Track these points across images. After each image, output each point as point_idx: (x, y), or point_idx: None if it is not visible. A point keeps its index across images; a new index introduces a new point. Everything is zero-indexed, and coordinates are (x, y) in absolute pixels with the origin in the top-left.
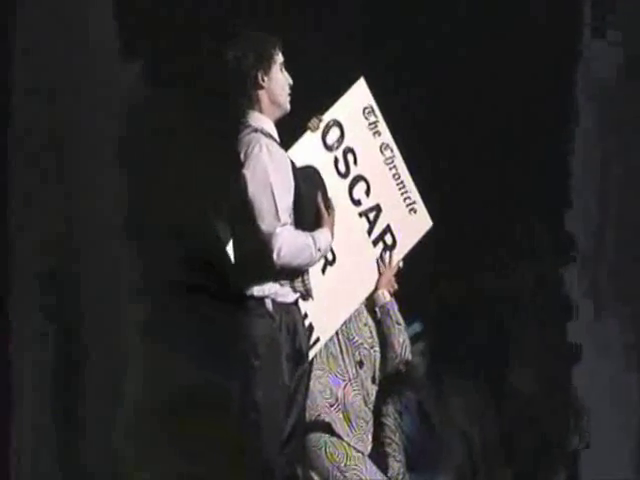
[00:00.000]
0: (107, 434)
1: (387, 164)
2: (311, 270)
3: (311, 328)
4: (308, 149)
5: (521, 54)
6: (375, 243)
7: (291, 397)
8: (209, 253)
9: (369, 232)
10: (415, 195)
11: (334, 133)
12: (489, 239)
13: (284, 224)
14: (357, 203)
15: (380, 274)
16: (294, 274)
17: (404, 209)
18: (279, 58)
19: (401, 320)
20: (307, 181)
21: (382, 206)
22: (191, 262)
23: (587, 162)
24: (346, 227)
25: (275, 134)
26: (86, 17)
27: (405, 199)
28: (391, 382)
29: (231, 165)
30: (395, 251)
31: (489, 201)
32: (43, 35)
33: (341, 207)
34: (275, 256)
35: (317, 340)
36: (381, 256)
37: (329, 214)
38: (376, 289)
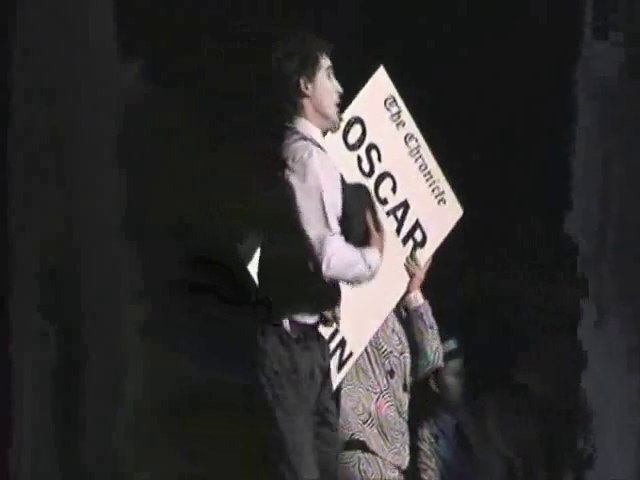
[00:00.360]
0: (107, 434)
1: (412, 156)
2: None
3: (343, 343)
4: (330, 151)
5: (522, 54)
6: (405, 242)
7: (317, 428)
8: (212, 253)
9: (398, 231)
10: (444, 184)
11: (356, 131)
12: (489, 240)
13: (334, 233)
14: (384, 202)
15: (411, 275)
16: (329, 303)
17: (433, 201)
18: (326, 63)
19: (434, 324)
20: (355, 197)
21: (410, 201)
22: (193, 262)
23: (588, 162)
24: None
25: (323, 144)
26: (86, 17)
27: (433, 190)
28: (426, 404)
29: (272, 172)
30: (425, 247)
31: (489, 201)
32: (43, 35)
33: None
34: (324, 266)
35: (350, 355)
36: (411, 255)
37: (379, 235)
38: (408, 292)
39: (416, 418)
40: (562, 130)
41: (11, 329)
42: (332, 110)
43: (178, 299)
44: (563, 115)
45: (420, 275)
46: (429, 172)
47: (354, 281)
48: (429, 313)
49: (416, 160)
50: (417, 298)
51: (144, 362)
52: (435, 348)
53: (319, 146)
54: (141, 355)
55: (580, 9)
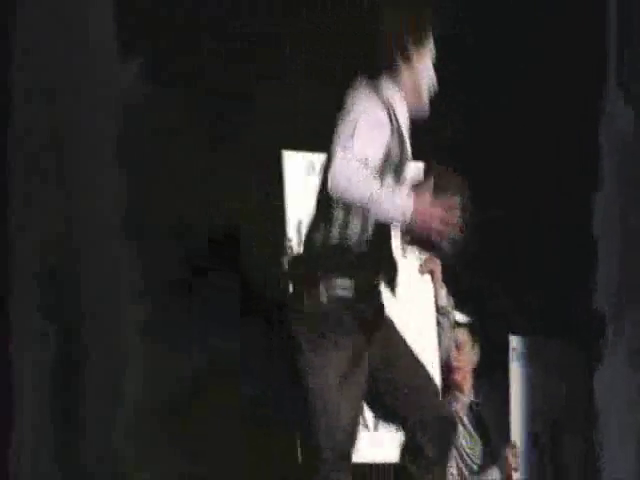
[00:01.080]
0: (107, 434)
1: None
2: None
3: None
4: None
5: (542, 108)
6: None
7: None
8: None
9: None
10: None
11: None
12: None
13: (353, 156)
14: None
15: (431, 272)
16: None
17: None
18: (430, 43)
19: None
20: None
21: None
22: (193, 262)
23: (606, 218)
24: None
25: (403, 118)
26: (86, 17)
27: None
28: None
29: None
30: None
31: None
32: (43, 35)
33: None
34: (329, 182)
35: None
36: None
37: (432, 177)
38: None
39: None
40: (582, 185)
41: (11, 329)
42: (424, 91)
43: (178, 299)
44: (584, 169)
45: (436, 266)
46: None
47: (364, 205)
48: (453, 312)
49: None
50: (442, 296)
51: (144, 362)
52: (448, 344)
53: (391, 108)
54: (141, 355)
55: (603, 64)
